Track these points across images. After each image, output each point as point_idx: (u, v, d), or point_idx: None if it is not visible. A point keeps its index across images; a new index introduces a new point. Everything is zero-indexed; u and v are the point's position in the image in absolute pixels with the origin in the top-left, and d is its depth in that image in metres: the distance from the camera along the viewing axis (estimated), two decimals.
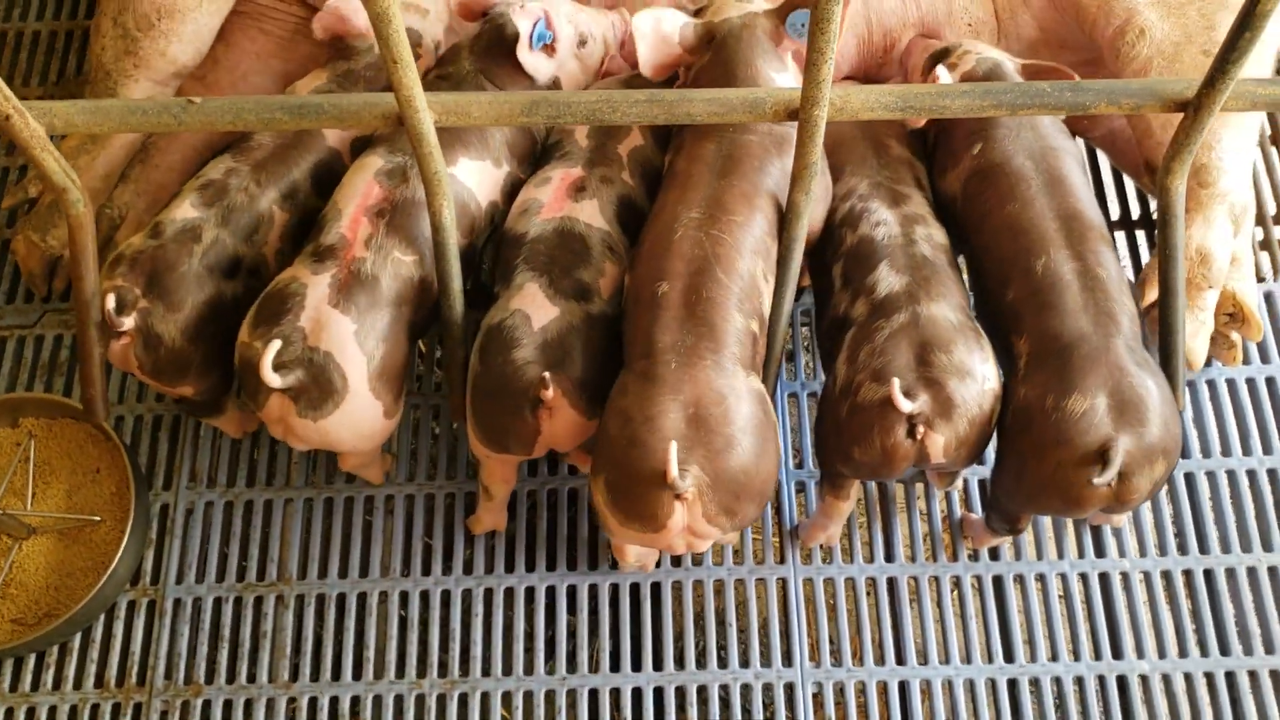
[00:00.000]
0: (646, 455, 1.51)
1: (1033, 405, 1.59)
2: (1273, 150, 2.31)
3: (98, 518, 1.94)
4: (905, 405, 1.55)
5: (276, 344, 1.62)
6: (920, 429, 1.59)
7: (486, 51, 1.92)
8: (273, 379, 1.61)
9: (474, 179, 1.84)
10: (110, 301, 1.67)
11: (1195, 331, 1.91)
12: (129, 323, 1.69)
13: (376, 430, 1.75)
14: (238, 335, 1.71)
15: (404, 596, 1.96)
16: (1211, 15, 1.88)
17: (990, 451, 1.84)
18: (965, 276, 1.85)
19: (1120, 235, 2.26)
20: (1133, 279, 2.19)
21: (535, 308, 1.69)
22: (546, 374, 1.62)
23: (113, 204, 2.14)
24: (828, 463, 1.75)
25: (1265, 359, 2.09)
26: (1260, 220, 2.21)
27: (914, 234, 1.76)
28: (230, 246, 1.79)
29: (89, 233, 1.66)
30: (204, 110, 1.55)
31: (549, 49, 1.91)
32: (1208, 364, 2.06)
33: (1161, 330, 1.79)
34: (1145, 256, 2.25)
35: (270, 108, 1.56)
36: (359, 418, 1.69)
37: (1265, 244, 2.21)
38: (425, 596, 1.95)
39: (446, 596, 1.95)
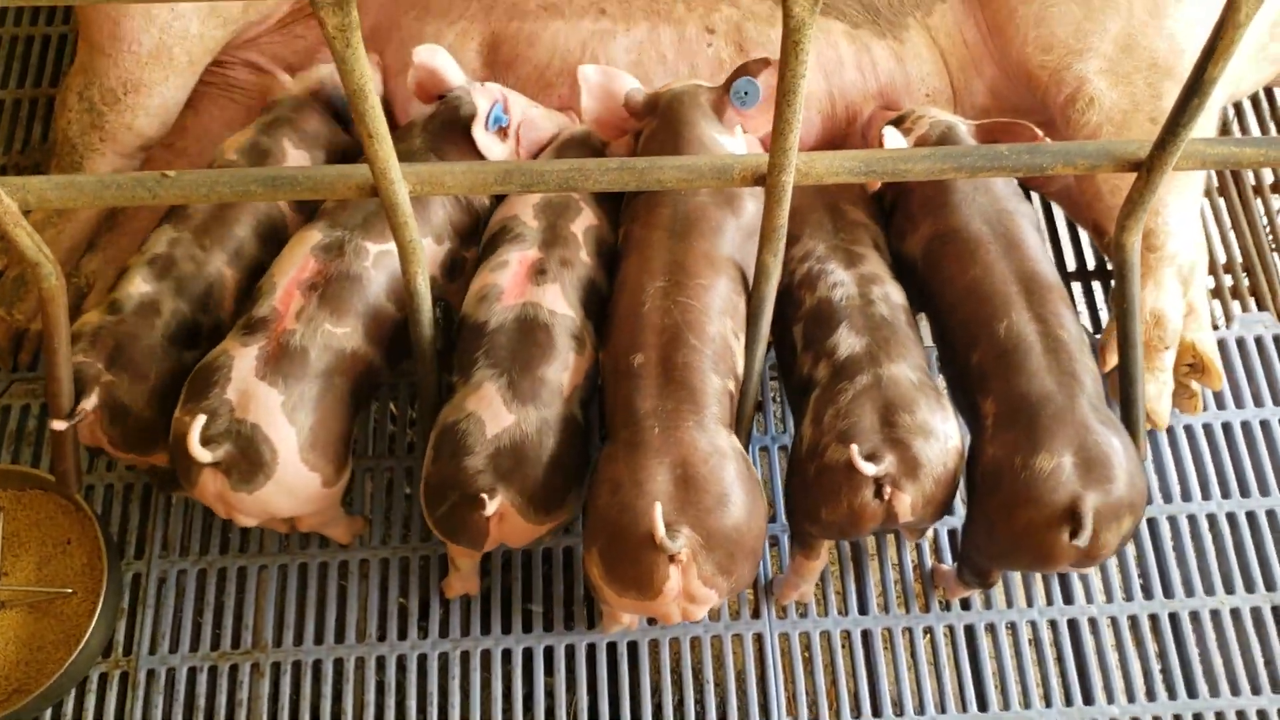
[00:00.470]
0: (638, 519, 1.52)
1: (1001, 465, 1.63)
2: (1220, 201, 2.39)
3: (69, 590, 1.92)
4: (868, 469, 1.58)
5: (202, 419, 1.61)
6: (887, 489, 1.61)
7: (440, 130, 1.94)
8: (201, 454, 1.59)
9: None
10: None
11: (1159, 393, 1.97)
12: (92, 400, 1.69)
13: (317, 498, 1.74)
14: None
15: (380, 661, 1.95)
16: (1158, 84, 1.96)
17: (960, 503, 1.88)
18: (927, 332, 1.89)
19: (1077, 286, 2.32)
20: (1089, 327, 2.25)
21: (490, 413, 1.65)
22: (484, 495, 1.60)
23: (79, 272, 2.14)
24: (797, 523, 1.78)
25: (1221, 405, 2.14)
26: (1211, 269, 2.28)
27: (871, 294, 1.79)
28: (189, 315, 1.80)
29: (62, 305, 1.66)
30: (179, 183, 1.56)
31: (502, 132, 1.94)
32: None
33: (1121, 381, 1.84)
34: (1101, 304, 2.30)
35: (245, 180, 1.56)
36: (293, 487, 1.69)
37: (1216, 292, 2.27)
38: (402, 661, 1.94)
39: (423, 660, 1.94)
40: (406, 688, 1.92)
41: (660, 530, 1.47)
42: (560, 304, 1.76)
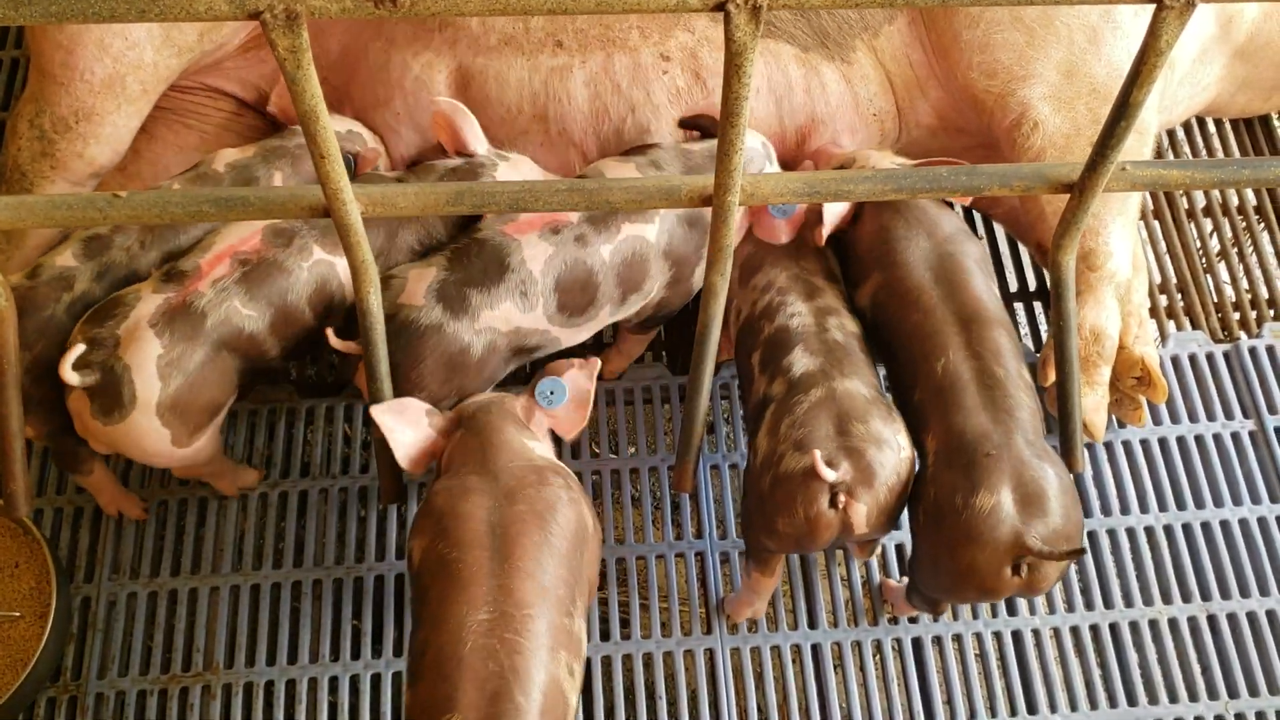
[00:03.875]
0: None
1: (943, 504, 1.67)
2: (1155, 224, 2.46)
3: (17, 614, 1.91)
4: (829, 474, 1.62)
5: (81, 348, 1.69)
6: (842, 498, 1.65)
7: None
8: (70, 376, 1.68)
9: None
10: None
11: (1096, 406, 2.02)
12: None
13: (164, 454, 1.80)
14: None
15: (333, 681, 1.95)
16: (1097, 110, 2.02)
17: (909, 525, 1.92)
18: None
19: (1019, 306, 2.38)
20: (1031, 346, 2.31)
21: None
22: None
23: None
24: (753, 538, 1.81)
25: (1157, 421, 2.20)
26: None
27: (827, 324, 1.86)
28: (99, 300, 1.82)
29: (11, 327, 1.66)
30: (130, 203, 1.57)
31: None
32: (1109, 426, 2.17)
33: (1059, 395, 1.89)
34: (1043, 324, 2.36)
35: (197, 200, 1.58)
36: (142, 437, 1.75)
37: (1152, 312, 2.34)
38: (355, 681, 1.94)
39: (377, 680, 1.94)
40: (360, 708, 1.92)
41: None
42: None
